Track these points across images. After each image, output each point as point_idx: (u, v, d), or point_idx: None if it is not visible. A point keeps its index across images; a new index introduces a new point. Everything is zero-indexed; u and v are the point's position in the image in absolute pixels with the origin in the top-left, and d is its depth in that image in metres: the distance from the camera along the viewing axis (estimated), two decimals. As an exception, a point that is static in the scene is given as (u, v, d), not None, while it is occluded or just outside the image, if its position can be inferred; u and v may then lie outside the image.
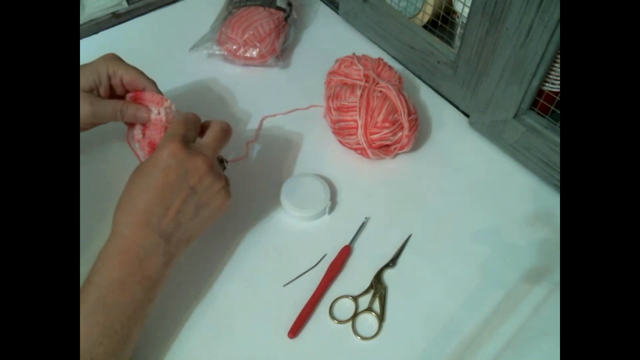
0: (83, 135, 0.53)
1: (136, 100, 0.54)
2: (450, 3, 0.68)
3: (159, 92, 0.54)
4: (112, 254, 0.42)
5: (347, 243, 0.55)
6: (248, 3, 0.75)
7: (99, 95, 0.53)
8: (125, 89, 0.54)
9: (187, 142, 0.45)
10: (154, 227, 0.43)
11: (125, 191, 0.45)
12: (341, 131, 0.61)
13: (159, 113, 0.53)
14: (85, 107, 0.50)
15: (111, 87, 0.54)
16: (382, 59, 0.64)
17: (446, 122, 0.68)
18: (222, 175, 0.48)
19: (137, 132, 0.54)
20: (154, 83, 0.54)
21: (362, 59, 0.64)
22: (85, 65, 0.52)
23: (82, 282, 0.42)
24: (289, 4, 0.77)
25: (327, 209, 0.57)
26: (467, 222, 0.57)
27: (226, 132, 0.50)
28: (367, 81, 0.60)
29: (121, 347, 0.41)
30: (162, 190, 0.43)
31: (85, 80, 0.51)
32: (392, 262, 0.54)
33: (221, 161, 0.51)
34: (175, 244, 0.45)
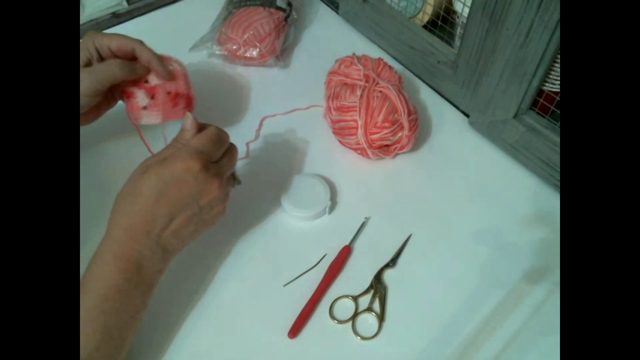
0: (82, 134, 0.53)
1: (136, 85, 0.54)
2: (450, 3, 0.68)
3: (148, 50, 0.54)
4: (109, 258, 0.41)
5: (347, 243, 0.55)
6: (248, 3, 0.75)
7: None
8: (116, 57, 0.54)
9: (210, 162, 0.44)
10: (154, 237, 0.43)
11: (127, 191, 0.43)
12: (341, 131, 0.61)
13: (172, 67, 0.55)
14: (85, 77, 0.50)
15: (102, 61, 0.54)
16: (382, 59, 0.64)
17: (446, 122, 0.68)
18: (228, 196, 0.48)
19: (142, 98, 0.54)
20: (141, 42, 0.54)
21: (362, 59, 0.64)
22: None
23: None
24: (289, 4, 0.77)
25: (327, 209, 0.57)
26: (467, 222, 0.57)
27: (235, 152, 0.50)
28: (367, 81, 0.60)
29: (117, 352, 0.41)
30: (171, 203, 0.43)
31: (79, 58, 0.52)
32: (392, 262, 0.54)
33: (234, 178, 0.50)
34: (170, 253, 0.45)
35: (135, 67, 0.53)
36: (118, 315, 0.41)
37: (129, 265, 0.42)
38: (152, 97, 0.54)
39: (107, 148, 0.63)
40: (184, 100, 0.56)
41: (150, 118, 0.55)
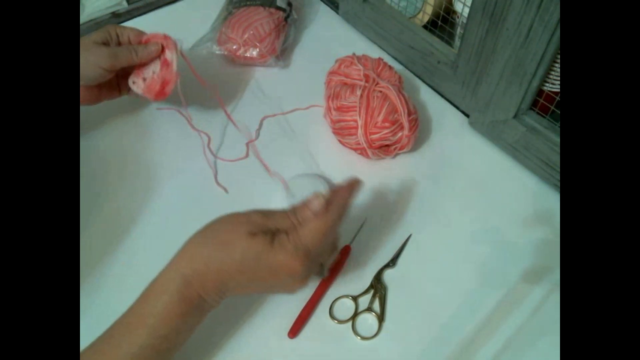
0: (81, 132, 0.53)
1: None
2: (450, 3, 0.68)
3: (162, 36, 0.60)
4: (176, 298, 0.38)
5: (347, 243, 0.55)
6: (248, 3, 0.75)
7: None
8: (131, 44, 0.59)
9: (312, 264, 0.41)
10: (223, 292, 0.41)
11: (219, 238, 0.40)
12: (341, 131, 0.61)
13: (172, 59, 0.58)
14: (104, 50, 0.55)
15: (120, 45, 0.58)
16: (382, 59, 0.64)
17: (446, 122, 0.68)
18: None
19: (147, 72, 0.59)
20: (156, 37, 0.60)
21: (362, 59, 0.64)
22: (96, 30, 0.57)
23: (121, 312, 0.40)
24: (289, 4, 0.77)
25: (327, 209, 0.57)
26: (466, 222, 0.57)
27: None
28: (367, 81, 0.60)
29: None
30: (254, 281, 0.40)
31: (99, 36, 0.56)
32: (392, 262, 0.54)
33: (322, 266, 0.47)
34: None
35: (151, 49, 0.58)
36: (169, 354, 0.40)
37: (193, 311, 0.40)
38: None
39: (99, 140, 0.64)
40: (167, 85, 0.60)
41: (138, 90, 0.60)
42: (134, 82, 0.60)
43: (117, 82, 0.62)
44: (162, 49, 0.59)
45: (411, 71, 0.73)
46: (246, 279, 0.40)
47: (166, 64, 0.58)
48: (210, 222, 0.41)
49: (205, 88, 0.65)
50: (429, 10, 0.71)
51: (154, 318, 0.38)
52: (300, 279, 0.41)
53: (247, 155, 0.63)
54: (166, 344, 0.39)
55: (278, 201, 0.57)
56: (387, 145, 0.61)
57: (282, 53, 0.75)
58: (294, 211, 0.42)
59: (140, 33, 0.60)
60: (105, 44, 0.57)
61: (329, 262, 0.49)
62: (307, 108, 0.69)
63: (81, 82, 0.56)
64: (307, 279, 0.42)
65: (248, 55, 0.72)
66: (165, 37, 0.59)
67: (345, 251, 0.54)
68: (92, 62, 0.54)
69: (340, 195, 0.42)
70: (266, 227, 0.40)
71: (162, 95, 0.59)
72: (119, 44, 0.58)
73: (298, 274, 0.40)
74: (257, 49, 0.71)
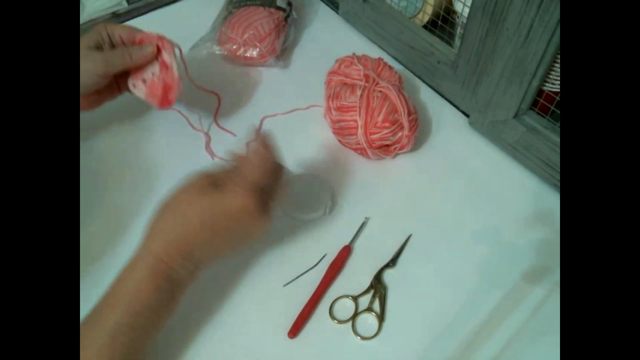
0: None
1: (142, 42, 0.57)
2: (450, 3, 0.68)
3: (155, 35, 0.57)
4: (146, 275, 0.41)
5: (347, 243, 0.55)
6: (248, 3, 0.75)
7: None
8: (124, 45, 0.57)
9: (263, 197, 0.43)
10: (195, 260, 0.42)
11: (174, 205, 0.43)
12: (341, 131, 0.61)
13: (171, 62, 0.56)
14: (97, 56, 0.53)
15: (113, 47, 0.56)
16: (382, 59, 0.64)
17: (446, 122, 0.68)
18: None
19: (146, 73, 0.57)
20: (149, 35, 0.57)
21: (362, 59, 0.64)
22: (85, 32, 0.55)
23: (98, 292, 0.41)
24: (289, 4, 0.77)
25: (327, 209, 0.57)
26: (466, 222, 0.57)
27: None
28: (367, 81, 0.60)
29: None
30: (218, 234, 0.42)
31: (91, 40, 0.54)
32: (392, 262, 0.54)
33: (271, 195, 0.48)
34: (201, 269, 0.45)
35: (146, 50, 0.55)
36: (146, 331, 0.41)
37: (164, 284, 0.41)
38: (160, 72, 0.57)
39: (100, 139, 0.64)
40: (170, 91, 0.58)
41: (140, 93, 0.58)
42: (134, 86, 0.59)
43: (115, 82, 0.60)
44: (158, 50, 0.56)
45: (411, 71, 0.73)
46: (208, 235, 0.42)
47: (165, 66, 0.56)
48: (163, 198, 0.44)
49: (206, 93, 0.64)
50: (429, 10, 0.71)
51: (128, 295, 0.40)
52: (258, 215, 0.42)
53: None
54: (141, 321, 0.40)
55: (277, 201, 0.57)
56: (387, 145, 0.61)
57: (282, 53, 0.75)
58: (233, 160, 0.46)
59: (133, 31, 0.57)
60: (98, 47, 0.54)
61: (281, 194, 0.49)
62: (307, 108, 0.69)
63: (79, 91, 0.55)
64: (265, 216, 0.43)
65: (248, 55, 0.72)
66: (160, 37, 0.56)
67: (345, 251, 0.54)
68: (86, 70, 0.53)
69: (262, 136, 0.47)
70: (213, 182, 0.43)
71: (166, 103, 0.57)
72: (112, 44, 0.56)
73: (253, 209, 0.42)
74: (257, 49, 0.71)
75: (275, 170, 0.46)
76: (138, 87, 0.58)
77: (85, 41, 0.54)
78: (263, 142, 0.46)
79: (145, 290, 0.40)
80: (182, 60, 0.59)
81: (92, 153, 0.63)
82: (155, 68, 0.57)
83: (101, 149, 0.63)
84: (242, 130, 0.66)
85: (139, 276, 0.41)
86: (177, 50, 0.57)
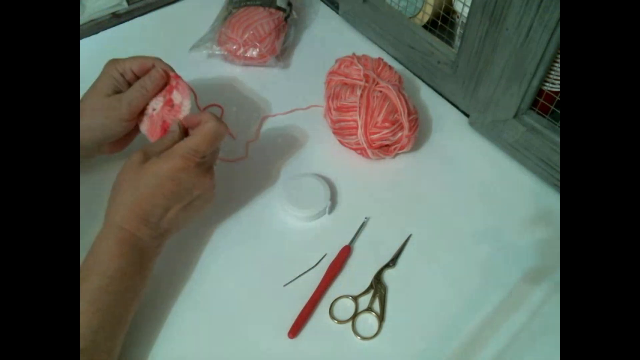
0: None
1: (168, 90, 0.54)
2: (450, 3, 0.68)
3: (167, 66, 0.54)
4: (113, 243, 0.44)
5: (347, 243, 0.55)
6: (248, 3, 0.75)
7: None
8: (138, 78, 0.54)
9: (203, 159, 0.47)
10: (152, 225, 0.46)
11: (126, 179, 0.46)
12: (341, 131, 0.61)
13: (181, 103, 0.53)
14: (118, 103, 0.52)
15: (129, 85, 0.54)
16: (382, 59, 0.64)
17: (446, 122, 0.68)
18: (214, 178, 0.50)
19: (148, 107, 0.54)
20: (159, 60, 0.54)
21: (362, 59, 0.64)
22: (96, 79, 0.53)
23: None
24: (289, 4, 0.77)
25: (327, 209, 0.57)
26: (467, 222, 0.57)
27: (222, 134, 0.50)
28: (367, 81, 0.60)
29: (119, 331, 0.44)
30: (167, 196, 0.46)
31: (106, 85, 0.52)
32: (392, 262, 0.54)
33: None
34: (166, 237, 0.49)
35: (154, 76, 0.53)
36: (121, 295, 0.44)
37: (131, 249, 0.45)
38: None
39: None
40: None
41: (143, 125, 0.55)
42: (140, 120, 0.55)
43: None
44: (169, 88, 0.53)
45: (411, 71, 0.73)
46: (159, 199, 0.45)
47: (169, 104, 0.53)
48: (116, 178, 0.47)
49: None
50: (429, 10, 0.71)
51: (100, 264, 0.43)
52: (197, 174, 0.47)
53: (247, 155, 0.63)
54: (114, 285, 0.43)
55: (278, 201, 0.57)
56: (387, 145, 0.61)
57: (282, 53, 0.75)
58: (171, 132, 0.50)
59: (142, 60, 0.53)
60: (117, 91, 0.53)
61: (216, 155, 0.52)
62: (307, 108, 0.69)
63: (113, 139, 0.54)
64: (205, 175, 0.48)
65: (248, 55, 0.72)
66: (175, 77, 0.53)
67: (345, 251, 0.54)
68: (114, 119, 0.52)
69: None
70: (154, 152, 0.47)
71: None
72: (127, 82, 0.54)
73: (190, 169, 0.46)
74: (257, 49, 0.71)
75: (215, 136, 0.48)
76: (143, 122, 0.55)
77: (101, 89, 0.52)
78: (203, 114, 0.49)
79: (113, 257, 0.44)
80: (196, 106, 0.55)
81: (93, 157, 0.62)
82: (158, 103, 0.54)
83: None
84: (242, 131, 0.66)
85: (106, 245, 0.44)
86: (191, 95, 0.53)
